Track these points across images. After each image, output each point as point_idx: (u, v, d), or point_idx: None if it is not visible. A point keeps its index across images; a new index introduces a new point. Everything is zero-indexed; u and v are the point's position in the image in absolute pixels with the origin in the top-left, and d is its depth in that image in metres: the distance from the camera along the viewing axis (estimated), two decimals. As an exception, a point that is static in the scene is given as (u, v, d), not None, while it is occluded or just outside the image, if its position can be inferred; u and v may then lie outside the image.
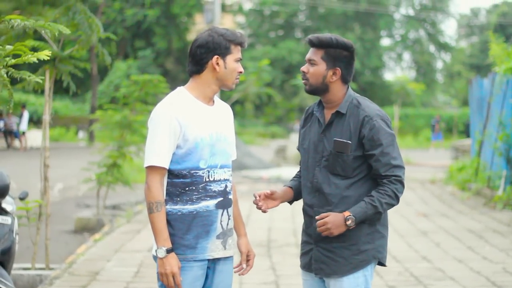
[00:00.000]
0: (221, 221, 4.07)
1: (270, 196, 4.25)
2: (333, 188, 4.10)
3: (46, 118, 8.36)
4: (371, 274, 4.19)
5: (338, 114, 4.13)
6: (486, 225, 12.13)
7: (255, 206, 4.25)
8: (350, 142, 4.05)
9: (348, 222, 3.99)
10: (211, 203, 4.03)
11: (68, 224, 12.55)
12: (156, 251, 3.95)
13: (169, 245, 3.94)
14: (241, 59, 4.11)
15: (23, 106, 33.79)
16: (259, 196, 4.21)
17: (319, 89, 4.15)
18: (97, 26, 8.29)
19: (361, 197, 4.08)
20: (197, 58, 4.05)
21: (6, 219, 6.65)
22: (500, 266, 8.84)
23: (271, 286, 7.88)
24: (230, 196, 4.13)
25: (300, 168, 4.35)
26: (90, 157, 14.54)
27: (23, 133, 32.58)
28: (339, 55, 4.11)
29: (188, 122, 3.98)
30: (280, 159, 27.20)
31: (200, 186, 4.00)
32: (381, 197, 4.02)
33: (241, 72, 4.11)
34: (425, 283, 7.99)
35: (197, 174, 4.00)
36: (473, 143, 18.59)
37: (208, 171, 4.02)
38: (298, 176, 4.41)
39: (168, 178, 4.02)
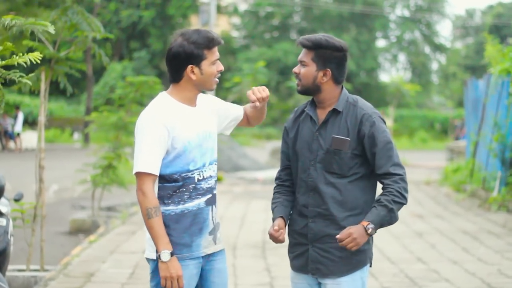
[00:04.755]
0: (211, 217, 4.09)
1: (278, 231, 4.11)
2: (329, 187, 4.07)
3: (42, 119, 8.35)
4: (367, 276, 4.18)
5: (334, 112, 4.09)
6: (481, 226, 12.15)
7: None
8: (349, 139, 3.99)
9: (369, 231, 3.92)
10: (201, 201, 4.05)
11: (63, 225, 12.54)
12: (159, 255, 3.92)
13: (171, 248, 3.93)
14: (218, 59, 4.07)
15: (17, 107, 33.80)
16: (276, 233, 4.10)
17: (311, 90, 4.11)
18: (97, 26, 8.31)
19: (357, 198, 4.05)
20: (173, 69, 4.04)
21: (1, 221, 6.65)
22: (495, 267, 8.86)
23: (266, 287, 7.88)
24: (215, 191, 4.16)
25: (279, 181, 4.28)
26: (85, 159, 14.52)
27: (18, 134, 32.56)
28: (329, 56, 4.06)
29: (175, 126, 3.98)
30: (275, 161, 27.12)
31: (191, 186, 4.02)
32: (387, 197, 3.95)
33: (220, 70, 4.08)
34: (420, 284, 8.00)
35: (187, 176, 4.01)
36: (468, 144, 18.60)
37: (199, 172, 4.04)
38: (279, 199, 4.24)
39: (159, 182, 4.02)
